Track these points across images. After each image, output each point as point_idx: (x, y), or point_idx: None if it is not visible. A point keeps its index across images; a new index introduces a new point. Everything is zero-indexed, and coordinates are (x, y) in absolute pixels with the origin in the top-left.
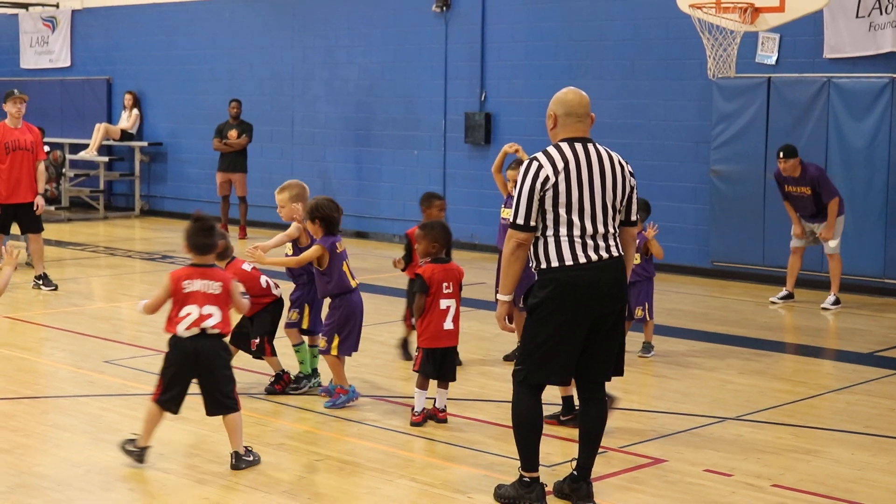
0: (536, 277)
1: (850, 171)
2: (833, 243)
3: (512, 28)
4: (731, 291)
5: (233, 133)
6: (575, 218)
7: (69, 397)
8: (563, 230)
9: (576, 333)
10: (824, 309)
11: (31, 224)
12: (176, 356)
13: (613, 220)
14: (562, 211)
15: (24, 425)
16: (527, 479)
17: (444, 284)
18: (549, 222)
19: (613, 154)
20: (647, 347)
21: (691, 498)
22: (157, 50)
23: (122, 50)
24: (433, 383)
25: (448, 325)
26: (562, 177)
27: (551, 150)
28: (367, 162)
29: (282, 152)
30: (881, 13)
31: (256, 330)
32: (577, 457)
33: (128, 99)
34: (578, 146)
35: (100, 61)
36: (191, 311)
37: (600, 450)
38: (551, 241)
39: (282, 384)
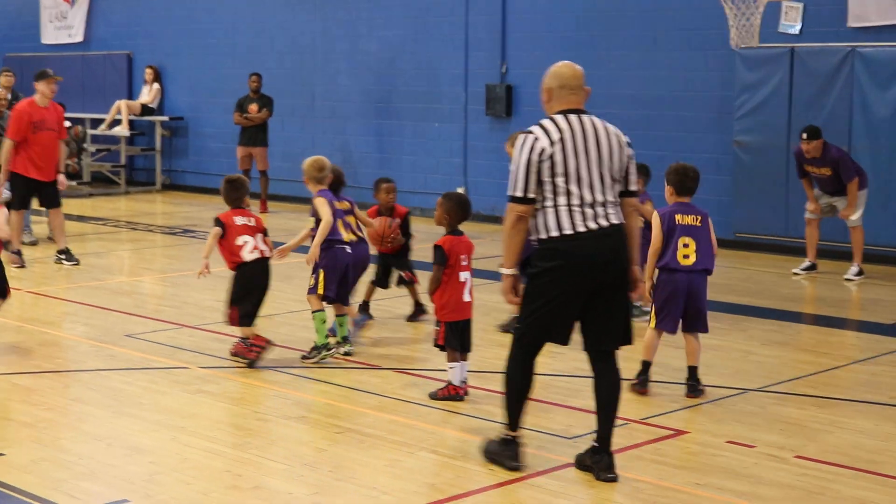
0: (537, 248)
1: (875, 141)
2: (855, 215)
3: None
4: (753, 262)
5: (253, 107)
6: (573, 188)
7: (91, 371)
8: (561, 200)
9: (574, 302)
10: (847, 280)
11: (51, 199)
12: None
13: (612, 189)
14: (559, 181)
15: (46, 399)
16: (507, 438)
17: (462, 257)
18: (548, 193)
19: (609, 125)
20: (638, 310)
21: (713, 469)
22: (178, 24)
23: (143, 24)
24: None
25: (466, 297)
26: (558, 147)
27: (546, 122)
28: (388, 135)
29: (302, 126)
30: None
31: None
32: (596, 429)
33: (149, 73)
34: (573, 117)
35: (120, 36)
36: None
37: (622, 422)
38: (550, 211)
39: (250, 350)
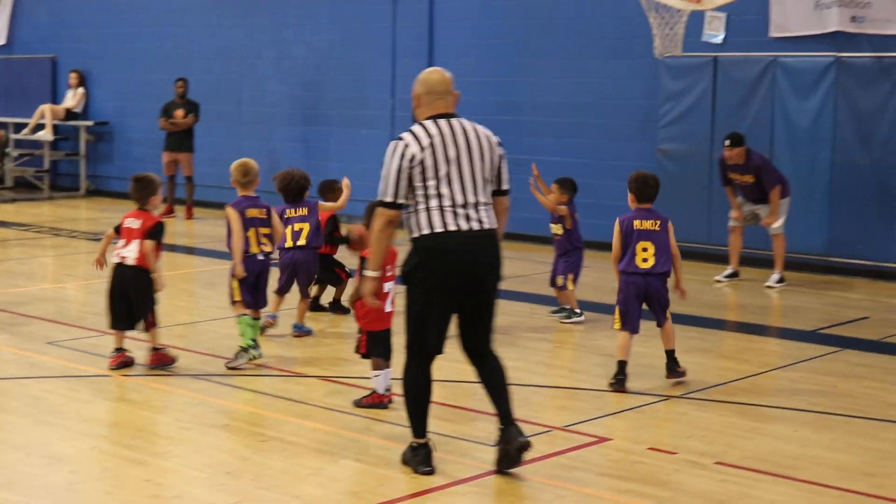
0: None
1: (795, 150)
2: (776, 223)
3: (461, 6)
4: None
5: (179, 112)
6: (444, 190)
7: (11, 379)
8: (433, 203)
9: (449, 300)
10: (769, 287)
11: None
12: None
13: (484, 190)
14: (431, 185)
15: None
16: (414, 445)
17: (387, 267)
18: (420, 197)
19: (479, 127)
20: (568, 313)
21: (635, 476)
22: (104, 28)
23: (68, 28)
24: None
25: (388, 307)
26: (428, 152)
27: (416, 128)
28: (315, 141)
29: (229, 132)
30: None
31: None
32: (497, 415)
33: (73, 77)
34: (442, 122)
35: (45, 39)
36: None
37: (545, 429)
38: (423, 213)
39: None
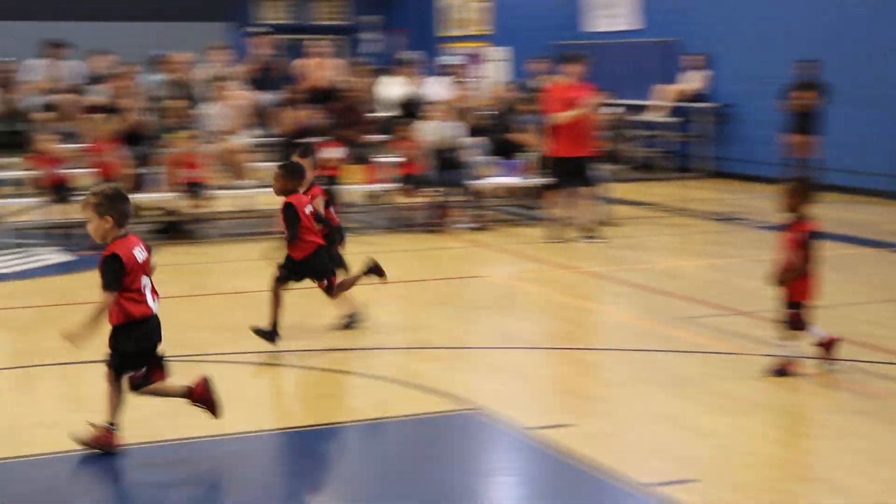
0: None
1: None
2: None
3: None
4: None
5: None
6: None
7: (650, 352)
8: None
9: None
10: None
11: (581, 179)
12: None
13: None
14: None
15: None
16: None
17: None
18: None
19: None
20: None
21: None
22: (727, 11)
23: (692, 12)
24: None
25: None
26: None
27: None
28: None
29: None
30: None
31: None
32: None
33: (694, 60)
34: None
35: (671, 24)
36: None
37: None
38: None
39: None
